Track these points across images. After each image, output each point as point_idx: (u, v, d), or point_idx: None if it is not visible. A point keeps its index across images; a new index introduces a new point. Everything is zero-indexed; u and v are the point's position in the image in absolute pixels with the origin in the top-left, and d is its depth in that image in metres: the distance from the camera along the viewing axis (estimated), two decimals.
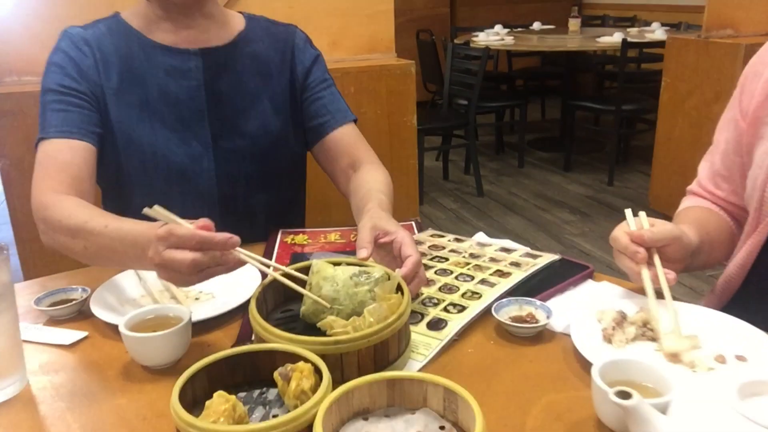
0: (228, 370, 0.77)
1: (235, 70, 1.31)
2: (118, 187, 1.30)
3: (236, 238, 0.87)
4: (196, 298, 1.06)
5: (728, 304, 1.11)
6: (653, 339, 0.91)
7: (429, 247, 1.21)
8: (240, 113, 1.32)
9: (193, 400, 0.73)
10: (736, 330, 0.91)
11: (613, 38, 4.71)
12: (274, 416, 0.72)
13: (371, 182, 1.26)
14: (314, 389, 0.72)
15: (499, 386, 0.83)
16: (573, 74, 5.47)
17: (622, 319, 0.93)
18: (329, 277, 0.90)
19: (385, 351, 0.83)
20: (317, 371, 0.74)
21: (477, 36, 5.28)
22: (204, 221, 0.88)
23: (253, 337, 0.89)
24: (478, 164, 4.45)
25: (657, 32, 4.88)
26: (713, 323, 0.93)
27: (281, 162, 1.38)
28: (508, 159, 5.25)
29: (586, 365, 0.86)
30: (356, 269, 0.91)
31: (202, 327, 0.97)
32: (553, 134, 5.73)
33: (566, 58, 5.35)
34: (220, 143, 1.30)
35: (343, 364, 0.80)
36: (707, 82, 3.20)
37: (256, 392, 0.78)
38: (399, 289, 0.90)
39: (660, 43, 4.29)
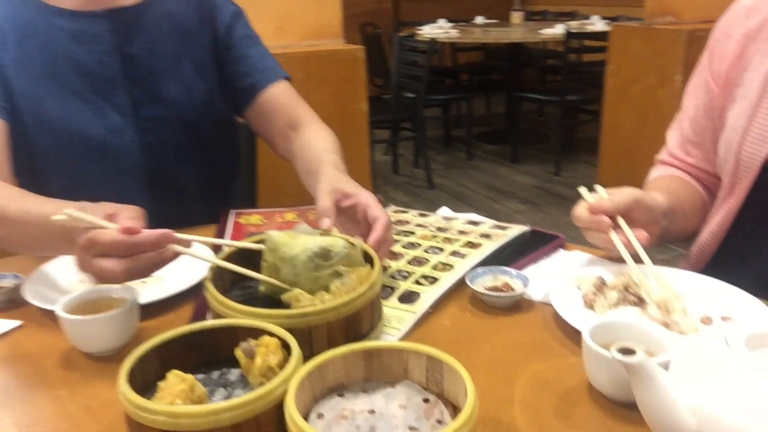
0: (183, 350, 0.69)
1: (149, 32, 1.20)
2: (31, 171, 1.17)
3: (169, 234, 0.78)
4: (143, 281, 0.96)
5: (703, 271, 1.09)
6: (635, 303, 0.87)
7: (393, 222, 1.15)
8: (159, 78, 1.21)
9: (144, 384, 0.65)
10: (718, 291, 0.88)
11: (555, 30, 4.76)
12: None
13: (318, 142, 1.17)
14: (282, 365, 0.65)
15: (480, 358, 0.77)
16: (516, 68, 5.51)
17: (602, 285, 0.88)
18: (287, 258, 0.82)
19: (357, 323, 0.76)
20: (284, 346, 0.66)
21: (422, 29, 5.25)
22: (129, 218, 0.78)
23: (209, 317, 0.80)
24: (428, 157, 4.42)
25: (597, 24, 4.96)
26: (694, 286, 0.90)
27: (211, 129, 1.28)
28: (456, 152, 5.24)
29: (569, 332, 0.81)
30: (316, 245, 0.83)
31: (150, 311, 0.88)
32: (498, 128, 5.76)
33: (509, 52, 5.37)
34: (140, 112, 1.19)
35: (312, 339, 0.72)
36: (651, 68, 3.24)
37: (216, 373, 0.69)
38: (366, 258, 0.83)
39: (602, 34, 4.35)
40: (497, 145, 5.29)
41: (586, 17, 5.60)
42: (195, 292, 0.93)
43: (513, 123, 5.00)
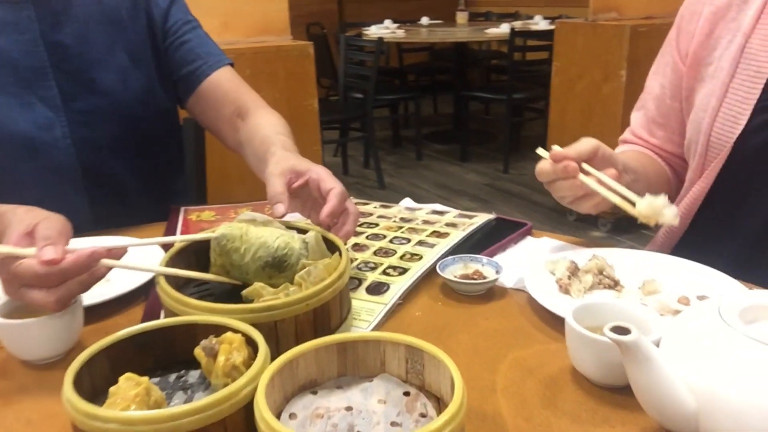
0: (136, 352, 0.62)
1: (78, 19, 1.12)
2: None
3: (98, 252, 0.70)
4: None
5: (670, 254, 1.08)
6: (610, 286, 0.84)
7: None
8: (92, 68, 1.13)
9: (93, 391, 0.58)
10: (691, 271, 0.86)
11: (500, 29, 4.80)
12: None
13: (267, 126, 1.10)
14: (248, 364, 0.59)
15: (457, 347, 0.73)
16: (462, 69, 5.54)
17: (576, 269, 0.86)
18: (236, 265, 0.76)
19: (326, 316, 0.70)
20: (249, 343, 0.61)
21: (368, 30, 5.22)
22: (47, 238, 0.68)
23: (162, 315, 0.74)
24: (378, 157, 4.39)
25: (541, 24, 5.03)
26: (666, 267, 0.88)
27: (150, 122, 1.21)
28: (405, 152, 5.22)
29: (546, 318, 0.78)
30: (268, 254, 0.75)
31: (96, 313, 0.81)
32: (446, 127, 5.78)
33: (455, 52, 5.40)
34: (72, 105, 1.11)
35: (278, 335, 0.67)
36: (596, 63, 3.29)
37: (173, 376, 0.63)
38: (333, 248, 0.78)
39: (546, 33, 4.41)
40: (446, 144, 5.30)
41: (530, 17, 5.67)
42: (145, 291, 0.86)
43: (461, 122, 5.01)
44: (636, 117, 1.15)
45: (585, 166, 0.87)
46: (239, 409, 0.53)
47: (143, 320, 0.79)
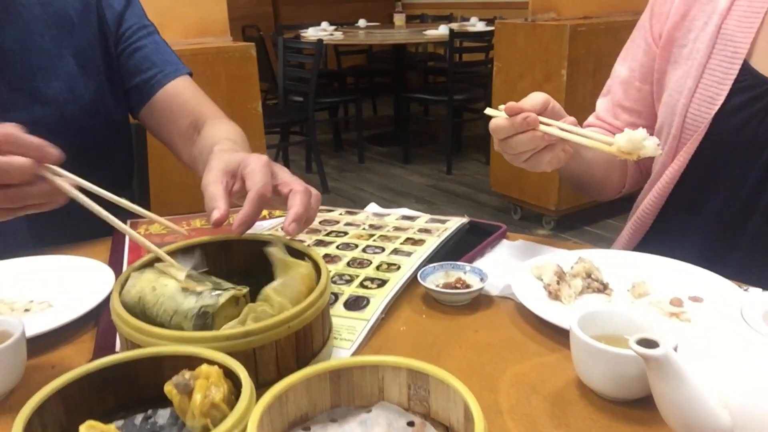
0: (94, 393, 0.54)
1: (22, 21, 1.02)
2: None
3: (52, 152, 0.64)
4: (26, 310, 0.79)
5: (639, 246, 1.06)
6: (599, 290, 0.80)
7: (320, 222, 1.03)
8: (36, 75, 1.02)
9: None
10: (679, 271, 0.83)
11: (439, 31, 4.80)
12: None
13: (218, 134, 1.00)
14: (228, 400, 0.51)
15: (450, 365, 0.67)
16: (401, 71, 5.52)
17: (563, 273, 0.81)
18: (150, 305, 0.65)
19: (308, 339, 0.63)
20: (226, 375, 0.53)
21: (306, 32, 5.13)
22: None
23: (118, 347, 0.65)
24: (321, 161, 4.30)
25: (477, 25, 5.06)
26: (653, 268, 0.85)
27: (100, 133, 1.10)
28: (347, 156, 5.15)
29: (539, 327, 0.74)
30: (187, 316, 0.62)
31: (38, 345, 0.71)
32: (387, 130, 5.75)
33: (394, 54, 5.37)
34: (13, 114, 0.99)
35: (256, 364, 0.59)
36: (537, 63, 3.31)
37: (139, 418, 0.55)
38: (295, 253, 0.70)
39: (485, 34, 4.44)
40: (388, 147, 5.27)
41: (466, 19, 5.71)
42: (95, 316, 0.76)
43: (402, 124, 4.99)
44: (601, 102, 1.13)
45: (540, 118, 0.82)
46: None
47: (95, 351, 0.70)
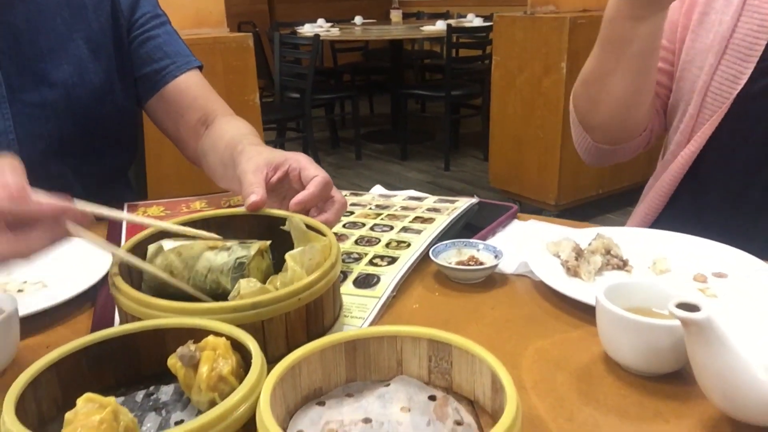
0: (91, 368, 0.50)
1: (35, 1, 0.98)
2: None
3: (70, 209, 0.59)
4: (19, 290, 0.75)
5: (652, 226, 1.02)
6: (619, 267, 0.77)
7: None
8: (46, 57, 0.99)
9: (40, 418, 0.46)
10: (700, 247, 0.80)
11: (436, 27, 4.77)
12: (179, 423, 0.46)
13: (232, 130, 0.98)
14: (236, 373, 0.48)
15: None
16: (398, 67, 5.48)
17: (581, 250, 0.78)
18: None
19: (319, 314, 0.60)
20: (234, 347, 0.50)
21: (302, 29, 5.10)
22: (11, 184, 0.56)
23: (117, 323, 0.62)
24: (318, 158, 4.26)
25: (475, 21, 5.03)
26: (672, 244, 0.82)
27: (105, 121, 1.07)
28: (344, 153, 5.11)
29: (559, 304, 0.70)
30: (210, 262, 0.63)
31: (33, 325, 0.68)
32: (384, 127, 5.71)
33: (390, 51, 5.34)
34: (19, 96, 0.96)
35: (265, 338, 0.56)
36: (536, 57, 3.28)
37: (140, 394, 0.51)
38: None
39: (483, 29, 4.41)
40: (385, 144, 5.23)
41: (462, 16, 5.68)
42: (91, 296, 0.73)
43: (400, 121, 4.95)
44: None
45: None
46: (237, 430, 0.42)
47: (93, 330, 0.66)
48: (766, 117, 0.87)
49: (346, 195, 1.03)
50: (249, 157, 0.78)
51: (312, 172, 0.73)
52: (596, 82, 0.95)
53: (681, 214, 0.99)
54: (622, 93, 0.93)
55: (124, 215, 0.76)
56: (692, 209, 0.98)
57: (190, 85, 1.09)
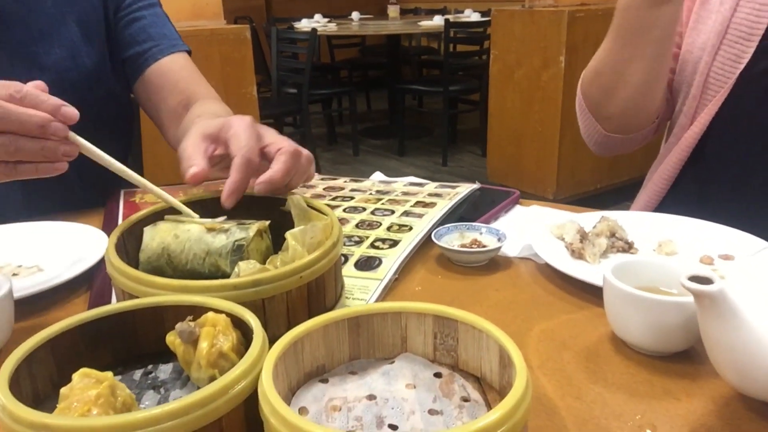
0: (88, 345, 0.49)
1: None
2: None
3: (71, 111, 0.62)
4: (14, 274, 0.74)
5: (656, 210, 1.01)
6: (624, 249, 0.76)
7: (324, 189, 0.98)
8: (38, 40, 0.97)
9: (35, 395, 0.44)
10: (705, 230, 0.79)
11: (434, 22, 4.76)
12: None
13: (206, 110, 0.94)
14: (237, 350, 0.47)
15: None
16: (396, 63, 5.47)
17: (585, 232, 0.77)
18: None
19: (321, 293, 0.58)
20: (235, 325, 0.48)
21: (299, 23, 5.08)
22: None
23: (114, 301, 0.60)
24: (316, 153, 4.25)
25: (472, 16, 5.02)
26: (677, 227, 0.81)
27: (99, 104, 1.04)
28: (342, 149, 5.10)
29: (564, 286, 0.69)
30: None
31: (28, 308, 0.66)
32: (381, 123, 5.70)
33: (388, 46, 5.33)
34: (12, 80, 0.95)
35: (266, 317, 0.54)
36: (535, 50, 3.27)
37: (138, 373, 0.50)
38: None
39: (481, 23, 4.39)
40: (382, 140, 5.22)
41: (460, 12, 5.67)
42: (87, 279, 0.71)
43: (398, 117, 4.94)
44: None
45: None
46: (238, 406, 0.40)
47: (91, 307, 0.65)
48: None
49: (345, 181, 1.02)
50: (188, 135, 0.72)
51: (240, 143, 0.66)
52: (612, 72, 0.93)
53: (685, 198, 0.98)
54: (639, 80, 0.91)
55: (124, 169, 0.69)
56: (696, 194, 0.97)
57: (173, 69, 1.06)
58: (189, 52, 1.11)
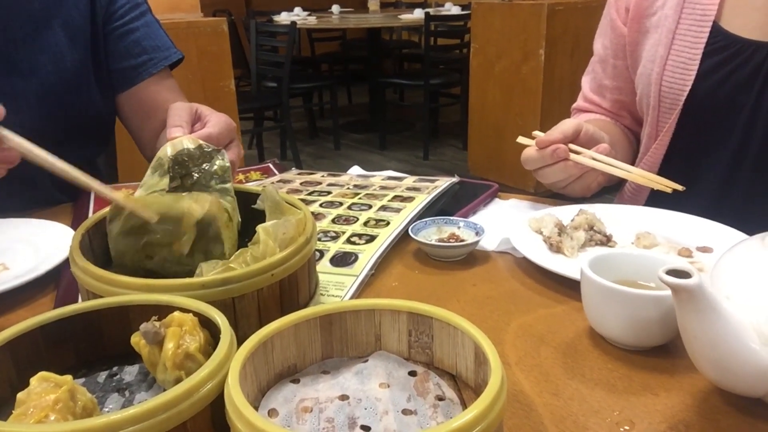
0: (49, 347, 0.47)
1: None
2: None
3: None
4: None
5: None
6: (602, 243, 0.75)
7: (301, 184, 0.96)
8: (21, 44, 0.94)
9: None
10: (683, 223, 0.79)
11: (414, 15, 4.74)
12: None
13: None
14: (205, 351, 0.45)
15: None
16: (376, 57, 5.44)
17: (563, 226, 0.76)
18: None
19: (294, 291, 0.57)
20: (203, 325, 0.47)
21: (279, 17, 5.03)
22: None
23: (80, 300, 0.58)
24: (296, 147, 4.22)
25: (452, 10, 5.01)
26: (655, 220, 0.81)
27: (80, 110, 1.02)
28: (323, 143, 5.07)
29: (541, 280, 0.68)
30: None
31: None
32: (362, 117, 5.68)
33: (368, 40, 5.30)
34: None
35: (236, 316, 0.53)
36: (515, 43, 3.27)
37: (102, 375, 0.48)
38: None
39: (461, 17, 4.39)
40: (364, 134, 5.20)
41: (441, 5, 5.65)
42: (54, 278, 0.69)
43: (379, 111, 4.92)
44: (586, 81, 1.09)
45: (573, 146, 0.82)
46: (204, 409, 0.39)
47: (57, 306, 0.63)
48: (723, 95, 0.86)
49: (323, 176, 1.00)
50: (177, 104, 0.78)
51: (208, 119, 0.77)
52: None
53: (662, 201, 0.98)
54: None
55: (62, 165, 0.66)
56: (672, 197, 0.97)
57: (161, 90, 1.05)
58: (181, 59, 1.09)
